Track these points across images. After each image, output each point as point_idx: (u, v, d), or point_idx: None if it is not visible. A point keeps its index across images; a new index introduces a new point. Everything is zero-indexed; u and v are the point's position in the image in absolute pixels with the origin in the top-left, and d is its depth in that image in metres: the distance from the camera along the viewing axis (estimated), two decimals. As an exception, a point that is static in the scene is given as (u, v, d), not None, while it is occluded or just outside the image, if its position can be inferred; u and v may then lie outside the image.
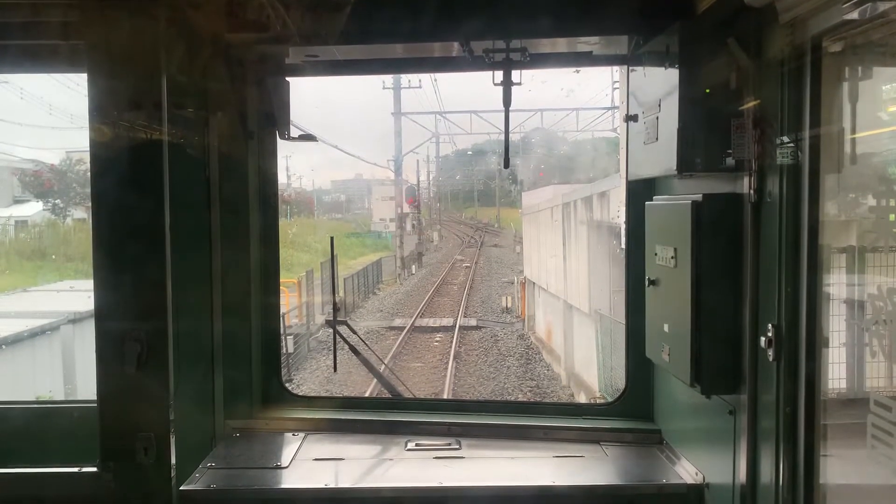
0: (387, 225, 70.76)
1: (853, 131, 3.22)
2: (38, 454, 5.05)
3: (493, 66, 4.90)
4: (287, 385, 5.74)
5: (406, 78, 48.99)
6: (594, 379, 21.62)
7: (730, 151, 3.71)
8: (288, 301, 29.41)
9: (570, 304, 25.85)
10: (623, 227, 8.48)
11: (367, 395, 19.81)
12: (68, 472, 4.13)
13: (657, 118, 4.16)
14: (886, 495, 3.08)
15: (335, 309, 5.98)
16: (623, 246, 6.94)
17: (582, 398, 22.39)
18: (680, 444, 4.74)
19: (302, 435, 5.19)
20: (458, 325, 32.67)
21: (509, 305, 38.27)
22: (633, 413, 5.22)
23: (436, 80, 50.43)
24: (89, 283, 4.06)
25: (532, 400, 21.91)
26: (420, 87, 50.10)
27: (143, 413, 3.97)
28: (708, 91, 3.81)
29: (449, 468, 4.71)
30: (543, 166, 71.93)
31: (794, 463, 3.38)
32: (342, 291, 35.86)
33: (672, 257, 4.09)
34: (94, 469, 4.01)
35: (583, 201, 24.46)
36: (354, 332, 5.93)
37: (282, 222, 5.84)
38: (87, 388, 15.10)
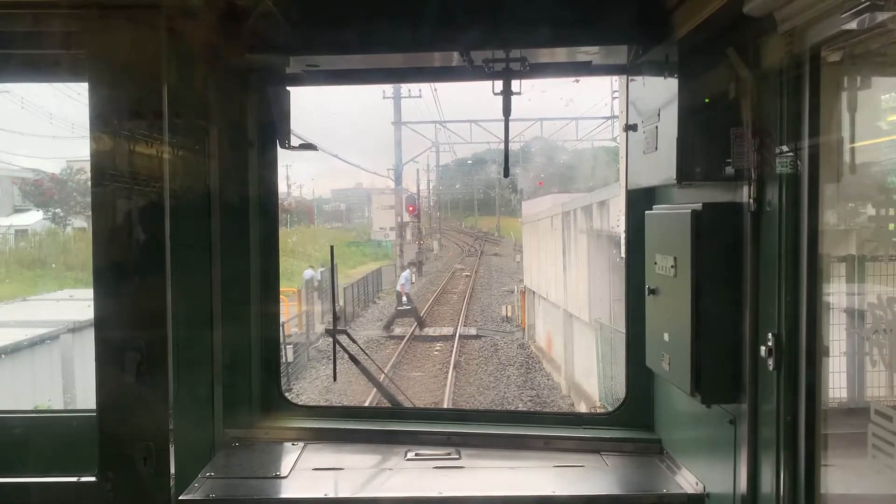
0: (387, 234, 70.77)
1: (852, 141, 3.23)
2: (37, 463, 5.03)
3: (492, 75, 4.91)
4: (286, 394, 5.73)
5: (406, 87, 49.15)
6: (594, 388, 21.58)
7: (729, 161, 3.72)
8: (287, 310, 29.40)
9: (570, 313, 25.83)
10: (623, 236, 8.48)
11: (366, 404, 19.77)
12: (67, 482, 4.12)
13: (657, 127, 4.17)
14: (887, 505, 3.07)
15: (335, 318, 5.97)
16: (623, 255, 6.94)
17: (582, 408, 22.35)
18: (680, 454, 4.73)
19: (301, 444, 5.18)
20: (457, 335, 32.62)
21: (509, 314, 38.24)
22: (633, 423, 5.21)
23: (436, 89, 50.59)
24: (89, 293, 4.06)
25: (532, 409, 21.86)
26: (420, 96, 50.24)
27: (143, 422, 3.96)
28: (707, 100, 3.83)
29: (449, 478, 4.69)
30: (543, 175, 71.95)
31: (795, 472, 3.37)
32: (342, 300, 35.85)
33: (672, 266, 4.09)
34: (93, 478, 4.00)
35: (583, 210, 24.48)
36: (354, 342, 5.92)
37: (282, 231, 5.84)
38: (86, 398, 15.07)
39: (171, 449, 3.96)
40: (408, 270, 40.64)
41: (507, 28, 4.62)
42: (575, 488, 4.59)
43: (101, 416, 3.98)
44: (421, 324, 34.95)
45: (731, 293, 3.77)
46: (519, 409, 22.15)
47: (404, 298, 36.37)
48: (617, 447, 5.08)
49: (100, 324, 4.00)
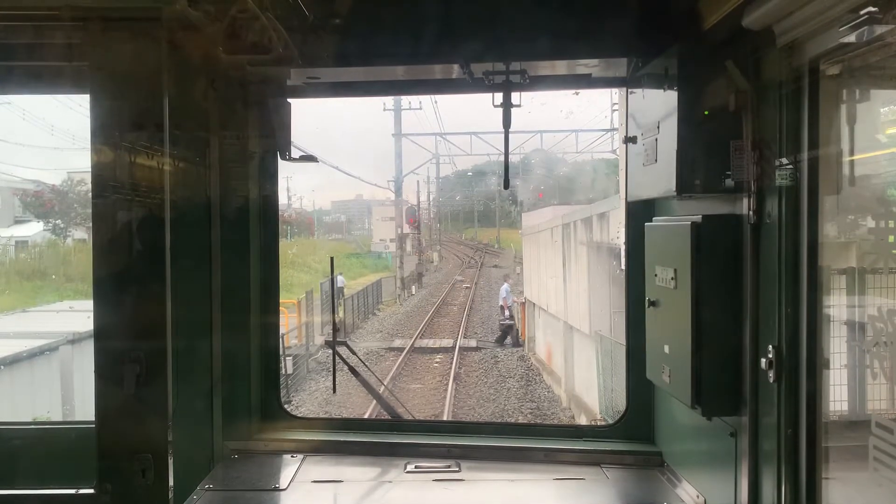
0: (387, 245, 70.85)
1: (851, 153, 3.24)
2: (36, 475, 5.01)
3: (492, 88, 4.93)
4: (286, 406, 5.72)
5: (406, 99, 49.27)
6: (595, 400, 21.52)
7: (729, 173, 3.73)
8: (287, 322, 29.34)
9: (570, 325, 25.79)
10: (623, 248, 8.48)
11: (366, 416, 19.70)
12: (66, 494, 4.10)
13: (656, 140, 4.18)
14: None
15: (335, 330, 5.97)
16: (623, 267, 6.95)
17: (583, 420, 22.27)
18: (681, 467, 4.71)
19: (301, 456, 5.16)
20: (457, 346, 32.55)
21: (508, 326, 38.15)
22: (633, 435, 5.20)
23: (436, 101, 50.74)
24: (89, 304, 4.05)
25: (532, 422, 21.78)
26: (420, 108, 50.35)
27: (142, 434, 3.94)
28: (707, 113, 3.84)
29: (448, 491, 4.67)
30: (543, 187, 72.04)
31: (796, 485, 3.35)
32: (341, 312, 35.78)
33: (672, 278, 4.09)
34: (92, 490, 3.97)
35: (582, 222, 24.48)
36: (354, 353, 5.91)
37: (282, 243, 5.85)
38: (85, 409, 15.03)
39: (170, 461, 3.94)
40: (506, 284, 39.63)
41: (507, 41, 4.64)
42: (575, 501, 4.57)
43: (100, 428, 3.96)
44: (516, 341, 34.88)
45: (732, 305, 3.77)
46: (519, 421, 22.07)
47: (507, 312, 36.33)
48: (617, 460, 5.06)
49: (99, 335, 3.99)
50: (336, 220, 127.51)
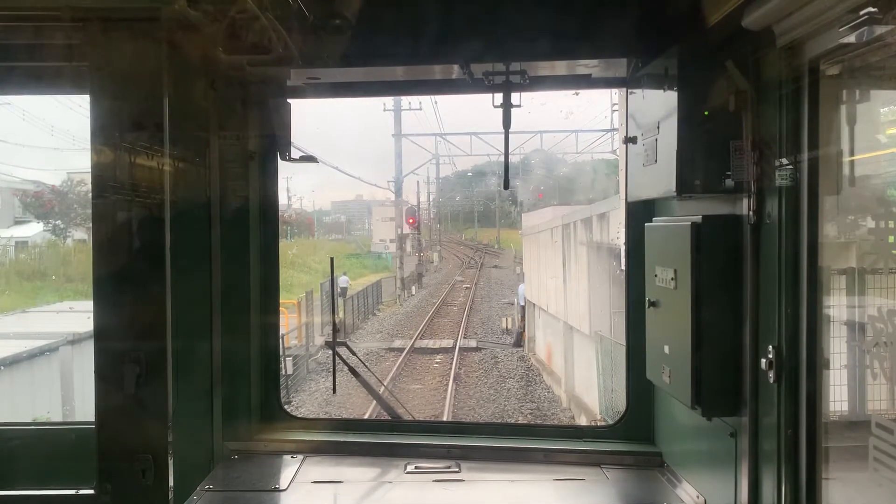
0: (387, 246, 70.90)
1: (851, 153, 3.24)
2: (36, 476, 5.02)
3: (492, 88, 4.94)
4: (285, 406, 5.73)
5: (406, 100, 49.23)
6: (595, 401, 21.52)
7: (729, 173, 3.73)
8: (287, 322, 29.33)
9: (570, 325, 25.79)
10: (623, 248, 8.48)
11: (366, 417, 19.70)
12: (66, 494, 4.10)
13: (656, 140, 4.18)
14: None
15: (335, 330, 5.97)
16: (623, 267, 6.95)
17: (582, 420, 22.27)
18: (681, 467, 4.71)
19: (301, 457, 5.16)
20: (457, 347, 32.55)
21: (509, 327, 38.18)
22: (633, 435, 5.20)
23: (436, 102, 50.69)
24: (89, 304, 4.05)
25: (532, 422, 21.78)
26: (420, 108, 50.32)
27: (142, 434, 3.94)
28: (707, 113, 3.84)
29: (448, 491, 4.67)
30: (543, 187, 72.09)
31: (796, 486, 3.35)
32: (341, 312, 35.76)
33: (672, 279, 4.09)
34: (92, 491, 3.97)
35: (582, 222, 24.49)
36: (354, 354, 5.91)
37: (282, 243, 5.85)
38: (85, 410, 15.04)
39: (170, 461, 3.94)
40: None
41: (507, 41, 4.65)
42: (575, 502, 4.57)
43: (100, 429, 3.96)
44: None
45: (732, 305, 3.77)
46: (519, 421, 22.07)
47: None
48: (617, 460, 5.06)
49: (99, 335, 3.99)
50: (336, 221, 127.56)
